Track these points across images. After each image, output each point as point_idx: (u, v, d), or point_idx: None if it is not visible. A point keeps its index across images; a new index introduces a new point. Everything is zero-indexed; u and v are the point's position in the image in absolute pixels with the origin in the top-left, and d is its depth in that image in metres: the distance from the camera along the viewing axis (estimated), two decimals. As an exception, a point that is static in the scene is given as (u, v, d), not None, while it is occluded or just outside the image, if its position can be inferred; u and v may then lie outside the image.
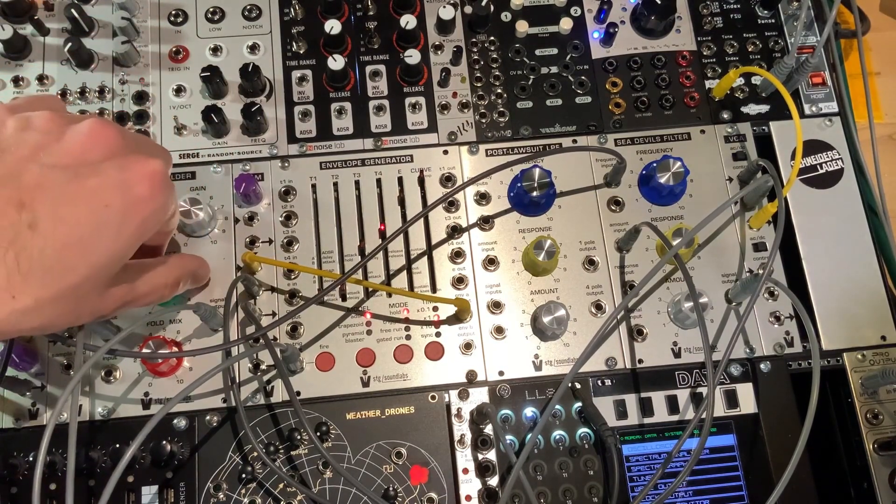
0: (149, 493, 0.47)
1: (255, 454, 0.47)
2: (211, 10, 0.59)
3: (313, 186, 0.54)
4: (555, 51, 0.59)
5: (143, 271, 0.42)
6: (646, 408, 0.50)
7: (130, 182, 0.37)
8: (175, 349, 0.49)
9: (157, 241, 0.46)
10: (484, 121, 0.57)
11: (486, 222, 0.53)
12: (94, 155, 0.36)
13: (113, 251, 0.37)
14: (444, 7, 0.57)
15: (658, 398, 0.50)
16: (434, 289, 0.52)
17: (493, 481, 0.48)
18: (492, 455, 0.48)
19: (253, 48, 0.58)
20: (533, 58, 0.59)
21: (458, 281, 0.52)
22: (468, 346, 0.51)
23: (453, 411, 0.49)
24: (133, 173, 0.37)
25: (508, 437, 0.48)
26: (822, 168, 0.56)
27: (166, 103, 0.56)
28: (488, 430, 0.49)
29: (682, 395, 0.50)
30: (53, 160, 0.35)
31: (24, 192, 0.34)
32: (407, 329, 0.51)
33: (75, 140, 0.36)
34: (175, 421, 0.48)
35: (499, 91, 0.57)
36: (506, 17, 0.59)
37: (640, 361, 0.51)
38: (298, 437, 0.48)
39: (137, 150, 0.38)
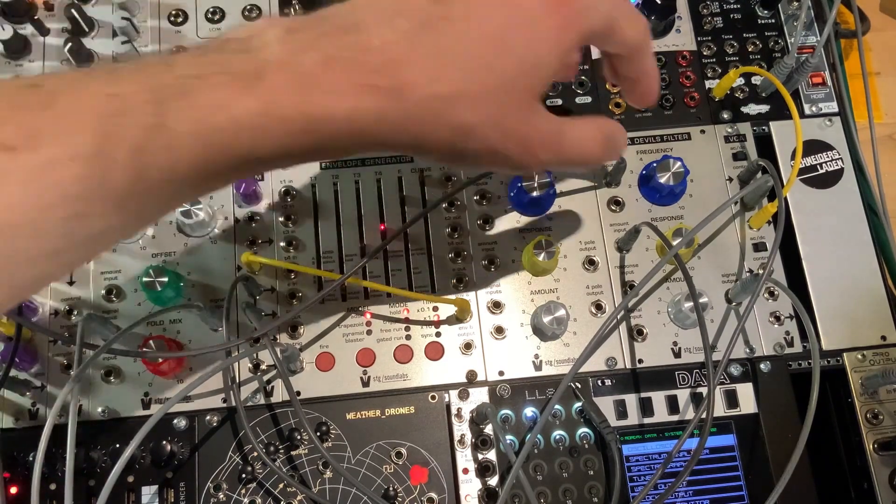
0: (149, 492, 0.47)
1: (255, 454, 0.47)
2: (211, 10, 0.59)
3: (313, 186, 0.54)
4: (555, 51, 0.59)
5: (566, 125, 0.38)
6: (646, 408, 0.50)
7: None
8: (175, 349, 0.49)
9: (632, 59, 0.39)
10: (484, 121, 0.57)
11: (486, 222, 0.53)
12: None
13: (531, 56, 0.33)
14: (444, 7, 0.57)
15: (658, 398, 0.50)
16: (434, 289, 0.52)
17: (493, 481, 0.48)
18: (492, 455, 0.48)
19: (253, 48, 0.58)
20: (533, 58, 0.58)
21: (458, 281, 0.52)
22: (468, 346, 0.51)
23: (453, 411, 0.49)
24: None
25: (508, 437, 0.48)
26: (822, 168, 0.56)
27: (166, 103, 0.56)
28: (488, 430, 0.49)
29: (682, 395, 0.50)
30: None
31: None
32: (407, 329, 0.51)
33: None
34: (175, 421, 0.48)
35: (499, 91, 0.57)
36: (506, 17, 0.59)
37: (640, 361, 0.51)
38: (298, 437, 0.48)
39: None
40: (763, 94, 0.58)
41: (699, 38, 0.60)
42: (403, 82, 0.30)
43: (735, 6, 0.61)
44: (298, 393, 0.49)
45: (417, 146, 0.33)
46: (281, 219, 0.53)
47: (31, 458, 0.47)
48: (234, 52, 0.29)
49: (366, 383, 0.50)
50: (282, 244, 0.53)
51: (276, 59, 0.29)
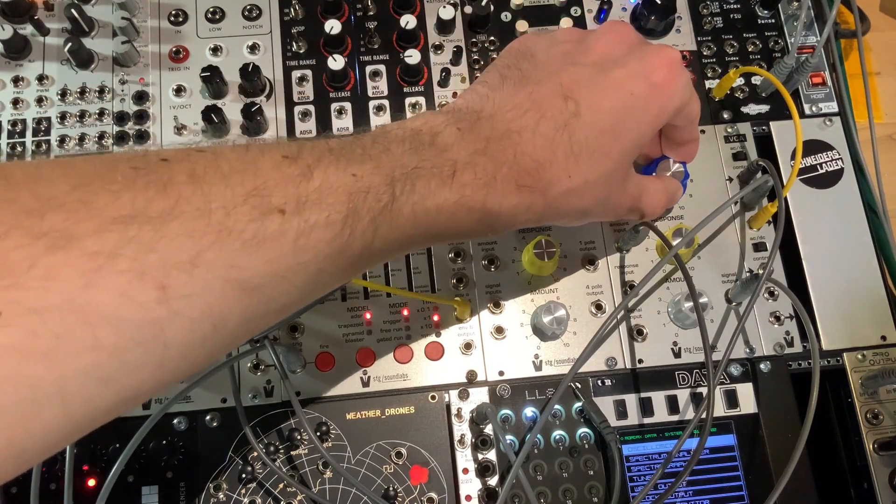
0: (149, 493, 0.47)
1: (255, 454, 0.47)
2: (211, 10, 0.59)
3: (313, 186, 0.54)
4: (555, 51, 0.59)
5: (645, 183, 0.46)
6: (646, 408, 0.50)
7: (649, 70, 0.39)
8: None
9: (681, 136, 0.47)
10: (484, 121, 0.57)
11: (486, 222, 0.53)
12: (615, 51, 0.40)
13: (637, 136, 0.40)
14: (444, 7, 0.57)
15: (658, 398, 0.50)
16: (434, 289, 0.52)
17: (493, 481, 0.48)
18: (492, 455, 0.48)
19: (253, 48, 0.58)
20: (533, 58, 0.58)
21: (458, 281, 0.52)
22: (468, 346, 0.51)
23: (453, 411, 0.49)
24: (651, 62, 0.40)
25: (508, 437, 0.48)
26: (822, 168, 0.56)
27: (166, 103, 0.56)
28: (488, 430, 0.49)
29: (682, 395, 0.50)
30: (582, 60, 0.40)
31: (565, 87, 0.38)
32: (407, 329, 0.51)
33: (597, 41, 0.41)
34: (175, 421, 0.48)
35: (499, 91, 0.58)
36: (506, 17, 0.60)
37: (640, 361, 0.51)
38: (298, 437, 0.48)
39: (649, 43, 0.43)
40: (763, 94, 0.58)
41: (699, 38, 0.60)
42: (548, 181, 0.37)
43: (735, 6, 0.61)
44: (298, 393, 0.49)
45: (543, 222, 0.40)
46: (281, 219, 0.53)
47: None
48: (428, 147, 0.35)
49: (366, 383, 0.50)
50: (282, 244, 0.52)
51: (462, 160, 0.35)
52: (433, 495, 0.48)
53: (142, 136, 0.55)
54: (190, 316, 0.26)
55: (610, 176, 0.39)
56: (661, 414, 0.50)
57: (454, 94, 0.57)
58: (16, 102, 0.55)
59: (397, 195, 0.33)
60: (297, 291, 0.31)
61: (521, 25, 0.59)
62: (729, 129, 0.57)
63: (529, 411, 0.49)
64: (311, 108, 0.56)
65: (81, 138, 0.55)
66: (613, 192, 0.41)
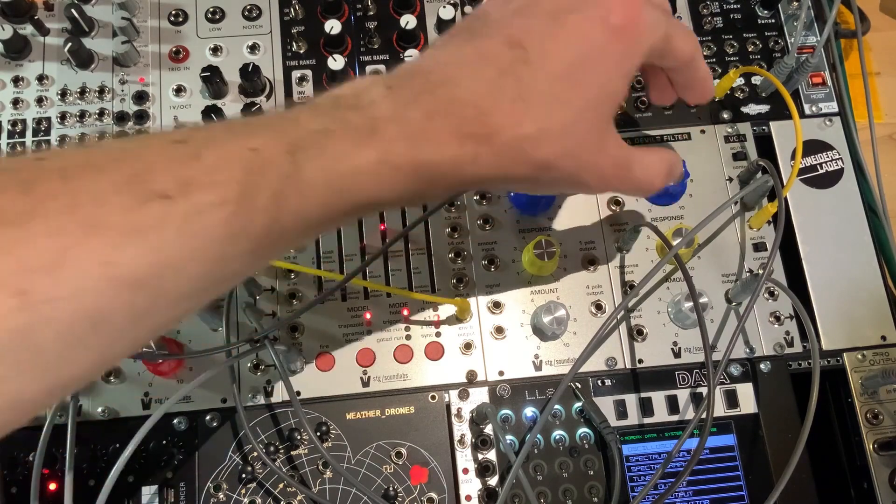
0: (149, 493, 0.47)
1: (255, 454, 0.47)
2: (211, 10, 0.59)
3: (313, 186, 0.54)
4: (555, 51, 0.59)
5: (636, 153, 0.41)
6: (646, 408, 0.50)
7: (606, 12, 0.36)
8: (176, 349, 0.49)
9: (683, 76, 0.43)
10: (484, 121, 0.57)
11: (486, 222, 0.53)
12: (569, 1, 0.37)
13: (601, 85, 0.36)
14: (444, 7, 0.57)
15: (658, 398, 0.50)
16: (434, 289, 0.52)
17: (493, 481, 0.48)
18: (492, 455, 0.48)
19: (253, 48, 0.58)
20: (533, 58, 0.58)
21: (458, 281, 0.52)
22: (468, 346, 0.51)
23: (453, 411, 0.49)
24: (607, 4, 0.36)
25: (508, 437, 0.48)
26: (822, 168, 0.56)
27: (166, 103, 0.56)
28: (488, 430, 0.49)
29: (682, 395, 0.50)
30: (535, 12, 0.37)
31: (513, 36, 0.35)
32: (407, 329, 0.51)
33: None
34: (175, 421, 0.48)
35: (499, 91, 0.57)
36: (506, 17, 0.59)
37: (640, 361, 0.51)
38: (298, 437, 0.48)
39: None
40: (763, 94, 0.58)
41: (699, 38, 0.60)
42: (493, 128, 0.34)
43: (735, 6, 0.61)
44: (298, 393, 0.49)
45: (504, 181, 0.36)
46: (281, 219, 0.53)
47: (31, 458, 0.47)
48: (348, 109, 0.33)
49: (366, 383, 0.50)
50: (282, 244, 0.52)
51: (385, 115, 0.33)
52: (433, 495, 0.48)
53: (142, 136, 0.55)
54: (60, 318, 0.25)
55: (574, 128, 0.36)
56: (661, 414, 0.50)
57: (454, 94, 0.57)
58: (16, 102, 0.55)
59: (302, 163, 0.30)
60: (194, 281, 0.29)
61: (521, 25, 0.58)
62: (729, 129, 0.57)
63: (529, 411, 0.49)
64: (311, 108, 0.56)
65: (81, 138, 0.55)
66: (585, 149, 0.37)
